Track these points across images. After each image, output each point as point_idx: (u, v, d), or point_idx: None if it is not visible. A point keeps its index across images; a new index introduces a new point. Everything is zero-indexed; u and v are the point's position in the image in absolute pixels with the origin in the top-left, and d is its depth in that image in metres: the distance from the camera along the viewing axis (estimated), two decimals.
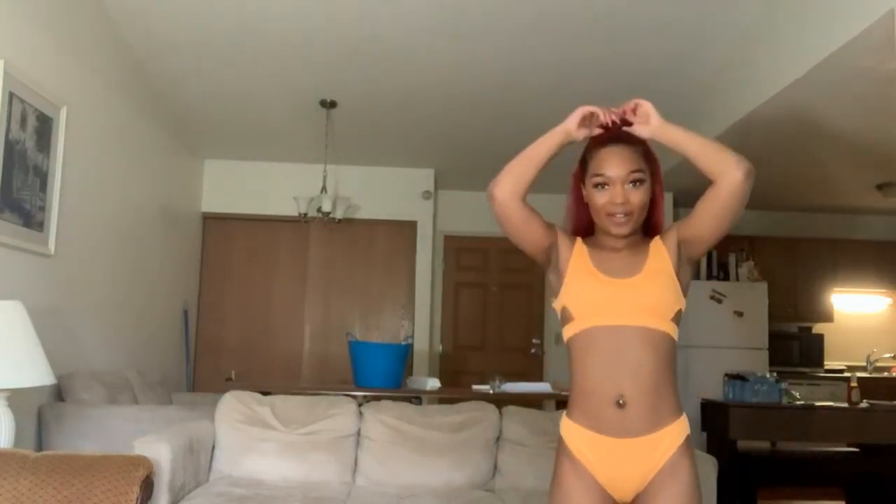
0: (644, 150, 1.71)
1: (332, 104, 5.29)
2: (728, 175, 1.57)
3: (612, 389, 1.62)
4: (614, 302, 1.65)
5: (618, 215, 1.67)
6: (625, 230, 1.68)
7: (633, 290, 1.66)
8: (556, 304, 1.76)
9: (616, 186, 1.66)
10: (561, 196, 1.79)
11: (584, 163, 1.76)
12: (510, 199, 1.70)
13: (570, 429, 1.69)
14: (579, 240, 1.79)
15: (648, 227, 1.79)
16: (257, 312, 6.55)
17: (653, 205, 1.75)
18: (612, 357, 1.63)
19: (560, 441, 1.72)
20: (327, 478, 3.18)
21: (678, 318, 1.69)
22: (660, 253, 1.72)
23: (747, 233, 7.07)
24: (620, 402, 1.61)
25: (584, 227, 1.82)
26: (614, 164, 1.66)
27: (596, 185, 1.69)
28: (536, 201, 1.78)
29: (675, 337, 1.69)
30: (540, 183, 1.75)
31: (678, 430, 1.65)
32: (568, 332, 1.71)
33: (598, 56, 4.56)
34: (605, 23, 4.22)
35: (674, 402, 1.66)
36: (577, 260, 1.73)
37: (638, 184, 1.67)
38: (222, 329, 6.50)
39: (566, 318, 1.71)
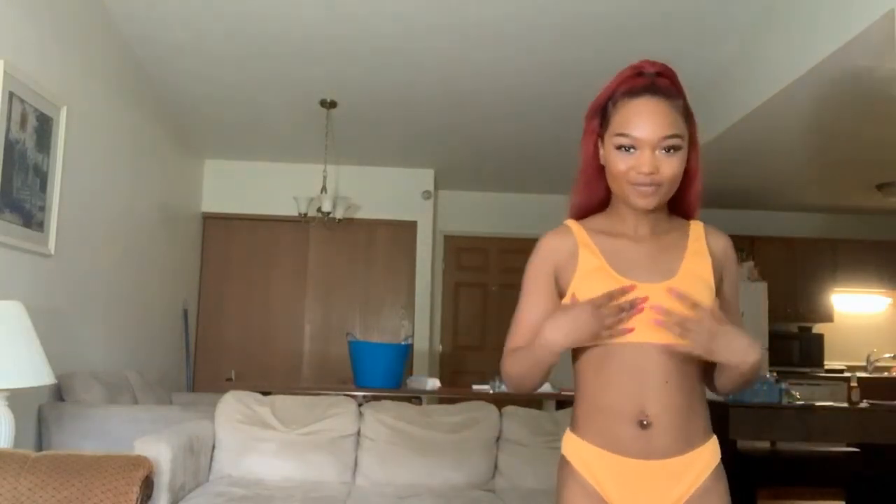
0: (684, 107, 1.35)
1: (332, 104, 5.29)
2: (716, 390, 1.42)
3: (634, 408, 1.31)
4: (636, 316, 1.31)
5: (642, 186, 1.31)
6: (650, 202, 1.32)
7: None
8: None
9: (645, 151, 1.29)
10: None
11: (604, 112, 1.36)
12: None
13: (580, 448, 1.37)
14: (577, 229, 1.42)
15: (678, 206, 1.43)
16: (257, 312, 6.55)
17: (686, 178, 1.37)
18: (633, 375, 1.32)
19: (563, 464, 1.39)
20: (327, 478, 3.18)
21: None
22: (701, 252, 1.38)
23: (747, 233, 7.07)
24: (644, 422, 1.31)
25: (599, 197, 1.44)
26: (646, 124, 1.29)
27: (619, 147, 1.31)
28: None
29: None
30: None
31: (711, 452, 1.36)
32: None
33: (598, 56, 4.55)
34: (604, 22, 4.22)
35: (705, 421, 1.38)
36: (585, 260, 1.37)
37: (673, 150, 1.30)
38: (222, 329, 6.50)
39: None
